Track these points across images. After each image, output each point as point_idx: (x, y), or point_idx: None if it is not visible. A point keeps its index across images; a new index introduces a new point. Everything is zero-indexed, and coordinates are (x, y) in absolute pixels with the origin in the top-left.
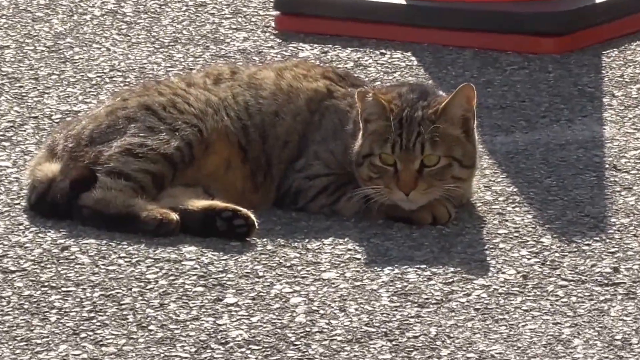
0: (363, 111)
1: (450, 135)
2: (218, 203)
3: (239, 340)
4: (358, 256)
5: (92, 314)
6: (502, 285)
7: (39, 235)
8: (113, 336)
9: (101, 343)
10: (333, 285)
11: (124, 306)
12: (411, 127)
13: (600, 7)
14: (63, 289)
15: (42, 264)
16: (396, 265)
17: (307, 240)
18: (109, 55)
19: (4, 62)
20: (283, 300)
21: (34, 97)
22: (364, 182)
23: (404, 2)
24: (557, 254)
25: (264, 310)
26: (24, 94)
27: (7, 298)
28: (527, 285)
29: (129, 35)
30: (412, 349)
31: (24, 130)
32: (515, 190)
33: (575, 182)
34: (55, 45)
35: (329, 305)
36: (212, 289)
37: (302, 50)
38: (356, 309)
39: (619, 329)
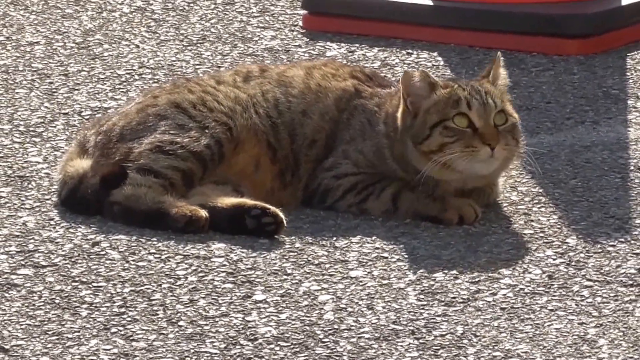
0: (411, 93)
1: (505, 98)
2: (247, 201)
3: (267, 337)
4: (385, 255)
5: (123, 310)
6: (528, 284)
7: (70, 230)
8: (143, 331)
9: (132, 338)
10: (361, 284)
11: (154, 302)
12: (475, 88)
13: (625, 9)
14: (94, 284)
15: (72, 259)
16: (423, 264)
17: (335, 238)
18: (137, 52)
19: (34, 58)
20: (311, 297)
21: (64, 93)
22: (429, 155)
23: (431, 3)
24: (582, 255)
25: (292, 308)
26: (54, 90)
27: (38, 293)
28: (553, 285)
29: (157, 33)
30: (438, 347)
31: (55, 127)
32: (540, 190)
33: (601, 184)
34: (84, 41)
35: (357, 303)
36: (241, 286)
37: (329, 49)
38: (383, 307)
39: None
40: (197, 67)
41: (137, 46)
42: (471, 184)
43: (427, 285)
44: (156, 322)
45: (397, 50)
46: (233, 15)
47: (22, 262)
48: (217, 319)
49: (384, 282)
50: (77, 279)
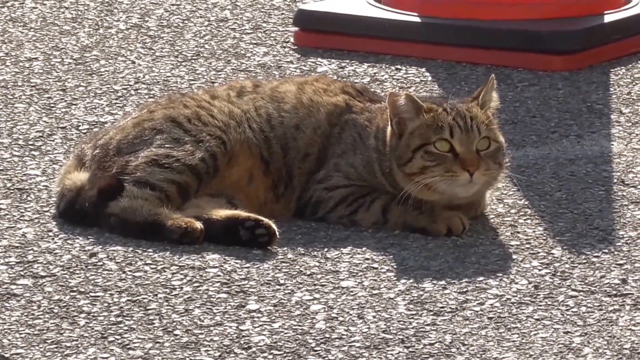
0: (397, 114)
1: (492, 123)
2: (241, 213)
3: (261, 346)
4: (375, 265)
5: (120, 319)
6: (515, 294)
7: (68, 242)
8: (140, 340)
9: (128, 347)
10: (351, 293)
11: (150, 311)
12: (461, 113)
13: (608, 26)
14: (91, 294)
15: (71, 270)
16: (412, 275)
17: (326, 249)
18: (134, 67)
19: (32, 73)
20: (303, 307)
21: (61, 107)
22: (411, 177)
23: (419, 20)
24: (567, 265)
25: (285, 317)
26: (52, 105)
27: (37, 302)
28: (539, 295)
29: (153, 49)
30: (427, 356)
31: (53, 140)
32: (526, 203)
33: (585, 196)
34: (82, 57)
35: (348, 312)
36: (235, 296)
37: (320, 65)
38: (374, 317)
39: (628, 338)
40: (192, 82)
41: (133, 62)
42: (455, 203)
43: (417, 295)
44: (152, 331)
45: (387, 66)
46: (226, 32)
47: (22, 273)
48: (211, 328)
49: (374, 292)
50: (75, 289)
